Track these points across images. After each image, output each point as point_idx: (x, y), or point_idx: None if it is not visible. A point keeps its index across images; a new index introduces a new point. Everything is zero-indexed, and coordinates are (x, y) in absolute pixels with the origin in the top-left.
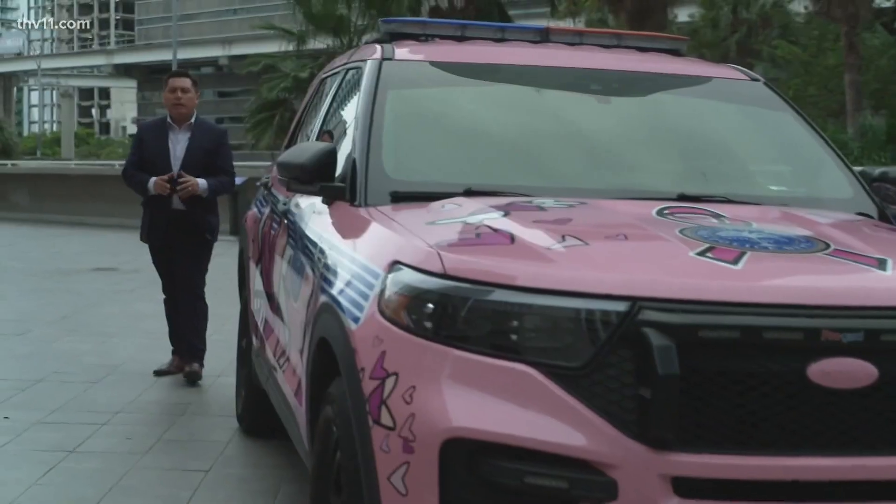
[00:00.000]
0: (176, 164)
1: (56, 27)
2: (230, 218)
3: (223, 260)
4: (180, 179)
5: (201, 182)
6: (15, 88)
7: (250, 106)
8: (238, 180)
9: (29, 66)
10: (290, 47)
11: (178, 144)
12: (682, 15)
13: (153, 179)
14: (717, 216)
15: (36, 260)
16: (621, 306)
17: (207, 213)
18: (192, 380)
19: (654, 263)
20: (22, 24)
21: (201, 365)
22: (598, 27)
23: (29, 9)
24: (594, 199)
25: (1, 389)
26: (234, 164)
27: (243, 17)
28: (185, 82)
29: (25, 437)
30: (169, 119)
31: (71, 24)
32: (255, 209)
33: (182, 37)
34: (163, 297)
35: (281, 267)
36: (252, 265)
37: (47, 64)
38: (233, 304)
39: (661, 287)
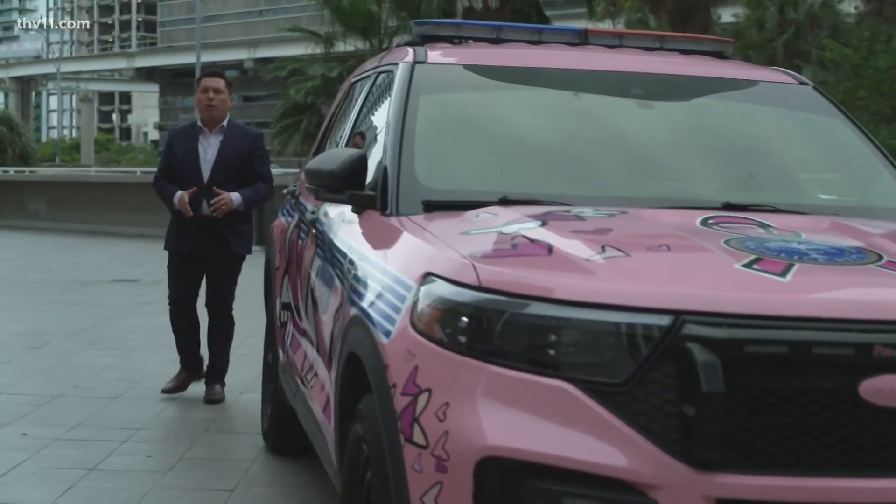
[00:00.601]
0: (206, 169)
1: (75, 29)
2: (255, 226)
3: (248, 271)
4: (213, 199)
5: (235, 196)
6: (33, 93)
7: (277, 111)
8: None
9: (48, 69)
10: (318, 50)
11: (209, 149)
12: (727, 15)
13: (179, 194)
14: (764, 226)
15: (55, 271)
16: (664, 320)
17: (240, 223)
18: (215, 402)
19: (697, 275)
20: (40, 25)
21: (223, 385)
22: (638, 28)
23: (48, 10)
24: (635, 208)
25: (19, 405)
26: None
27: (269, 19)
28: (219, 83)
29: (44, 455)
30: (199, 122)
31: (90, 26)
32: (281, 218)
33: (206, 39)
34: (168, 305)
35: (309, 278)
36: (279, 276)
37: (66, 67)
38: (258, 317)
39: (706, 300)
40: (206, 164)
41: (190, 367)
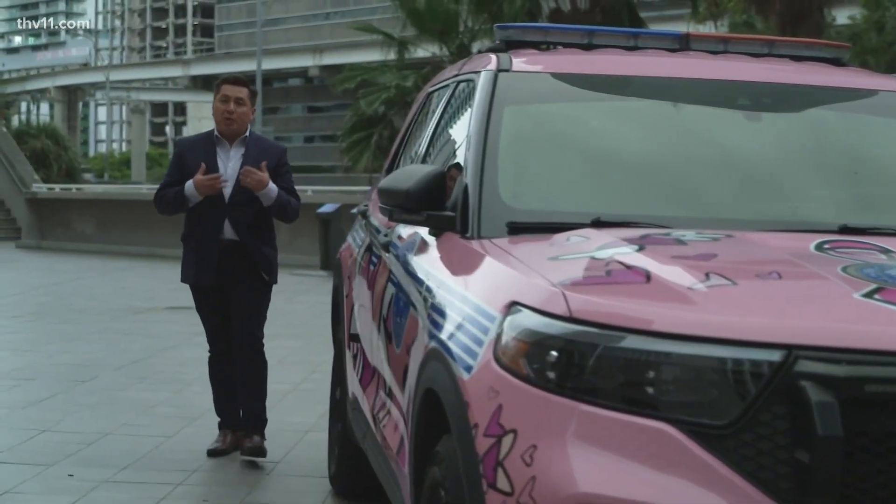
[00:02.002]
0: (227, 186)
1: (126, 34)
2: (321, 250)
3: (313, 298)
4: (242, 172)
5: (271, 186)
6: (80, 103)
7: (346, 123)
8: (330, 207)
9: (96, 77)
10: (391, 55)
11: (230, 162)
12: (842, 17)
13: (189, 183)
14: (886, 252)
15: (103, 297)
16: (775, 356)
17: (265, 243)
18: (256, 455)
19: (812, 306)
20: (88, 30)
21: (263, 437)
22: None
23: (96, 14)
24: (742, 231)
25: (65, 443)
26: (327, 189)
27: (336, 23)
28: (241, 92)
29: (92, 498)
30: (216, 133)
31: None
32: (350, 241)
33: (267, 44)
34: (208, 353)
35: (381, 307)
36: (347, 305)
37: (116, 75)
38: (324, 350)
39: (821, 334)
40: (228, 182)
41: (234, 424)
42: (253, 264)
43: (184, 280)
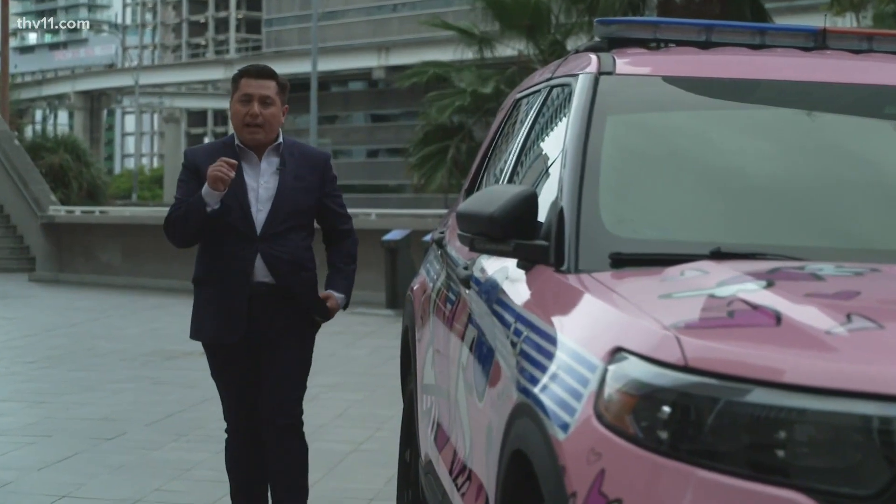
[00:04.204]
0: (260, 212)
1: (159, 30)
2: (387, 285)
3: (378, 341)
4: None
5: (339, 298)
6: (105, 111)
7: (416, 134)
8: (398, 234)
9: (123, 81)
10: (468, 54)
11: (261, 178)
12: None
13: (207, 187)
14: None
15: (132, 339)
16: None
17: (302, 268)
18: None
19: None
20: (114, 25)
21: None
22: (891, 26)
23: (124, 6)
24: (891, 264)
25: None
26: (394, 212)
27: (405, 16)
28: (268, 87)
29: None
30: (239, 142)
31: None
32: (423, 274)
33: (324, 41)
34: (225, 434)
35: (460, 353)
36: (420, 351)
37: (147, 78)
38: (391, 403)
39: None
40: (259, 204)
41: None
42: (295, 311)
43: (196, 337)
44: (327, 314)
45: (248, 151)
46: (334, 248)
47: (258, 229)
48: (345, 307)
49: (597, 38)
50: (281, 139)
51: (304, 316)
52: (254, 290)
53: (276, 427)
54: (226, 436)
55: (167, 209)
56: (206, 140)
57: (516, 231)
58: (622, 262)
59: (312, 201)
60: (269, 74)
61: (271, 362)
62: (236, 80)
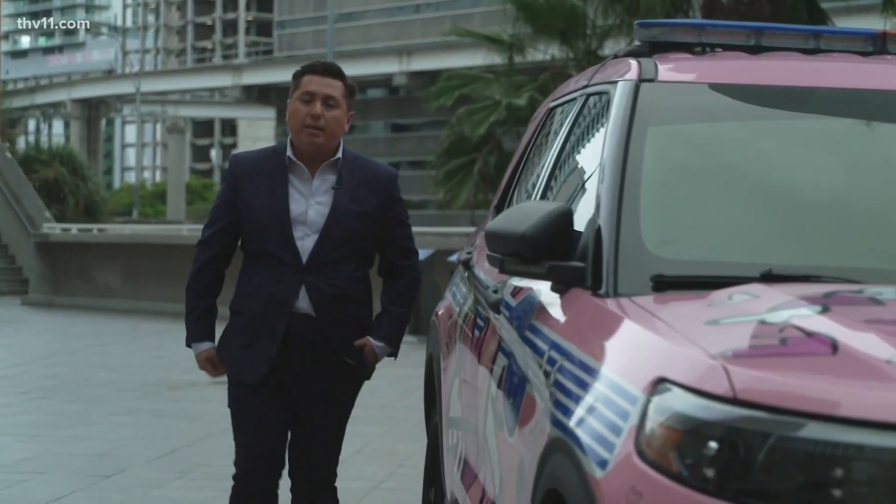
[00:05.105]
0: (308, 237)
1: (162, 33)
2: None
3: (399, 370)
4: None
5: (378, 347)
6: (103, 121)
7: (441, 145)
8: (421, 254)
9: (123, 88)
10: (497, 59)
11: (313, 200)
12: None
13: (206, 349)
14: None
15: (133, 368)
16: None
17: (358, 304)
18: None
19: None
20: (114, 28)
21: None
22: None
23: (124, 7)
24: None
25: None
26: (417, 230)
27: (429, 17)
28: (334, 87)
29: None
30: (291, 153)
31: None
32: (449, 298)
33: (341, 45)
34: (232, 479)
35: (489, 384)
36: (445, 381)
37: (149, 86)
38: (414, 438)
39: None
40: (306, 228)
41: None
42: (337, 349)
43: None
44: (364, 363)
45: (299, 166)
46: (389, 285)
47: (304, 257)
48: (393, 356)
49: (637, 42)
50: (341, 153)
51: (355, 359)
52: (292, 325)
53: (316, 480)
54: (232, 482)
55: (170, 227)
56: (213, 153)
57: (550, 251)
58: (665, 284)
59: (371, 228)
60: (337, 73)
61: (309, 412)
62: (298, 76)
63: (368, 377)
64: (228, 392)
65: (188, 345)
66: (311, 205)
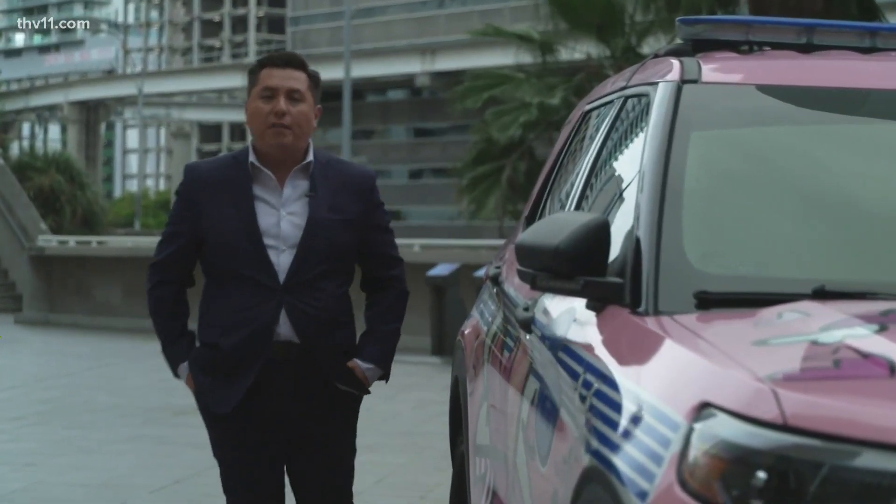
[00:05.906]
0: (283, 255)
1: (167, 30)
2: (432, 328)
3: (422, 394)
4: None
5: (368, 370)
6: (103, 125)
7: (467, 152)
8: (445, 269)
9: (124, 89)
10: (528, 58)
11: (285, 210)
12: None
13: (186, 372)
14: None
15: (135, 392)
16: None
17: (341, 326)
18: None
19: None
20: (115, 25)
21: None
22: None
23: (126, 2)
24: None
25: None
26: (440, 243)
27: (454, 13)
28: (297, 79)
29: None
30: (254, 159)
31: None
32: (476, 316)
33: (359, 43)
34: None
35: (520, 409)
36: (472, 405)
37: (152, 87)
38: (439, 467)
39: None
40: (281, 244)
41: None
42: (323, 380)
43: (202, 406)
44: (358, 385)
45: (264, 172)
46: (374, 300)
47: (281, 277)
48: (384, 379)
49: (679, 40)
50: (311, 155)
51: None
52: (274, 353)
53: None
54: None
55: None
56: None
57: (585, 266)
58: (709, 302)
59: (353, 238)
60: (299, 64)
61: (308, 447)
62: (255, 71)
63: (367, 391)
64: (209, 437)
65: (175, 373)
66: (282, 216)
